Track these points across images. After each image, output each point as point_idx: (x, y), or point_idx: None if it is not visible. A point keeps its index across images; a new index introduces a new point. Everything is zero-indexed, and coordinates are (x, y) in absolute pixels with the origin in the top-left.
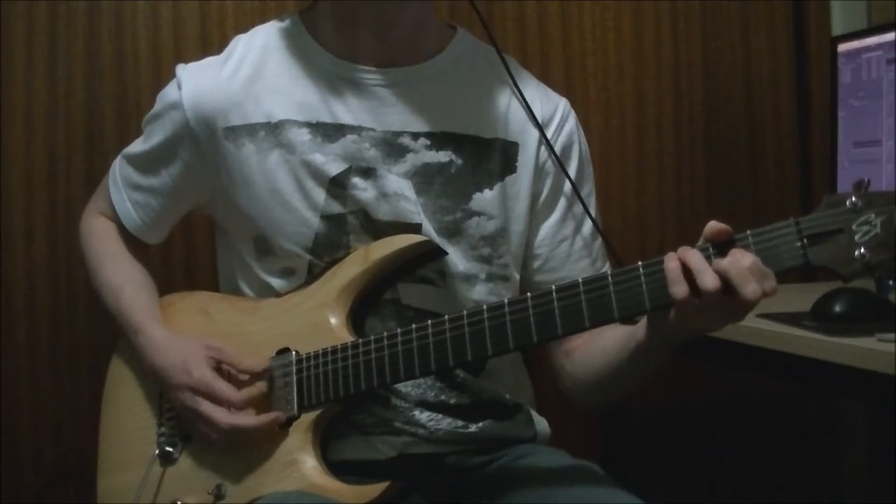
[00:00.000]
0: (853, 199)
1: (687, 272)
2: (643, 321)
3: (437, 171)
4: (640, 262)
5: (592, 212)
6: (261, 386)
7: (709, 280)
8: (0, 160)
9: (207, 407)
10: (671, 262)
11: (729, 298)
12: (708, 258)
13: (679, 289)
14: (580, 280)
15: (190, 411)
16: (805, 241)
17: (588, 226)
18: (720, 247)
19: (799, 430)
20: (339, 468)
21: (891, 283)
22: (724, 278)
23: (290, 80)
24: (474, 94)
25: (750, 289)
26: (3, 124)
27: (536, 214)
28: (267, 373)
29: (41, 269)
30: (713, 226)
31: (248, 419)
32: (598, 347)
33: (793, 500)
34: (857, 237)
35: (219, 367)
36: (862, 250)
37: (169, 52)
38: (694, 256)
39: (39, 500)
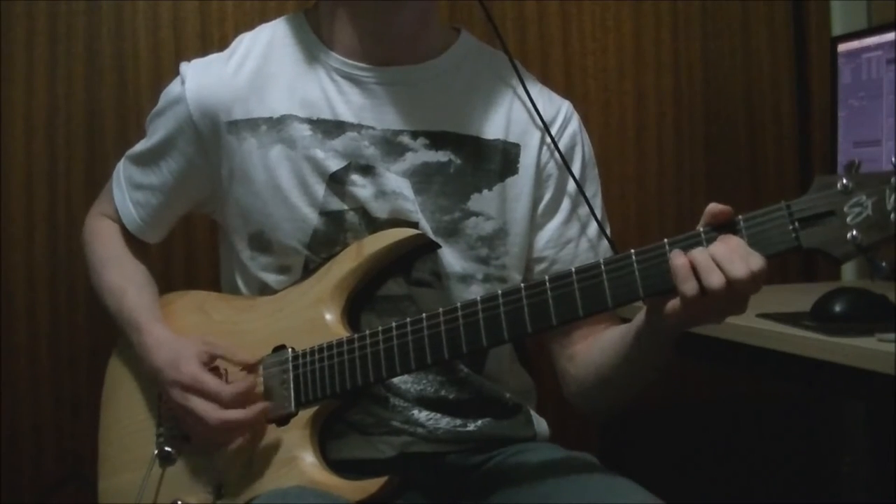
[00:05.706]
0: (844, 180)
1: (694, 269)
2: (642, 315)
3: (436, 171)
4: (632, 250)
5: (598, 214)
6: (252, 380)
7: (715, 279)
8: (0, 160)
9: (197, 403)
10: (679, 259)
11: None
12: (702, 242)
13: (689, 286)
14: (573, 269)
15: (181, 408)
16: (797, 224)
17: (593, 227)
18: (721, 229)
19: (799, 430)
20: (338, 467)
21: (884, 264)
22: (715, 261)
23: (293, 77)
24: (476, 96)
25: (735, 267)
26: (3, 124)
27: (540, 217)
28: (259, 365)
29: (41, 269)
30: (713, 208)
31: (237, 413)
32: (597, 348)
33: (793, 500)
34: (848, 219)
35: (213, 364)
36: (854, 232)
37: (169, 52)
38: (700, 256)
39: (40, 501)
